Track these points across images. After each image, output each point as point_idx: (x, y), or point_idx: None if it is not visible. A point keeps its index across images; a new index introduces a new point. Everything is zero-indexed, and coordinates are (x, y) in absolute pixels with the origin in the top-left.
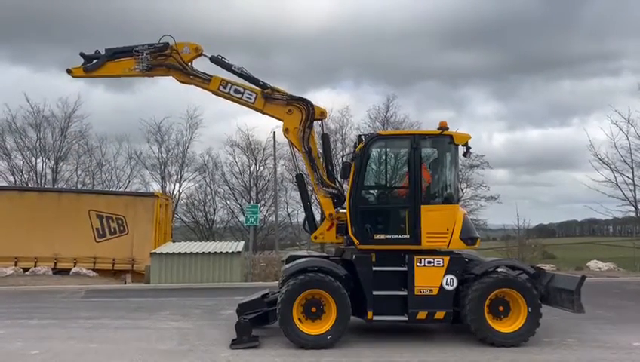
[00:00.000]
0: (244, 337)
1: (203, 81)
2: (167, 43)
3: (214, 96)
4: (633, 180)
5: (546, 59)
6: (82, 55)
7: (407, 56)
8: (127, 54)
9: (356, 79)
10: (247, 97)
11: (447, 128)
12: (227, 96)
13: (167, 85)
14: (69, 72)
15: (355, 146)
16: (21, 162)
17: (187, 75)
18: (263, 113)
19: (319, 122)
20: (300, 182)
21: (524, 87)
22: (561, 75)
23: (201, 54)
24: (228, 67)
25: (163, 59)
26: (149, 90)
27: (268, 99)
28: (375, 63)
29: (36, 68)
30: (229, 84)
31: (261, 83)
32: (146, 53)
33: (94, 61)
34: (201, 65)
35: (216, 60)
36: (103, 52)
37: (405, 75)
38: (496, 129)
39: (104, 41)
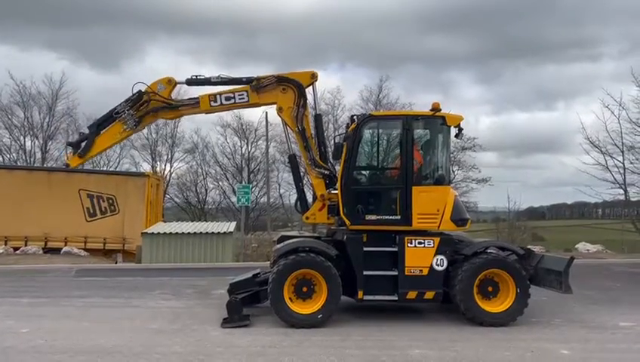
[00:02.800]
0: (235, 316)
1: (192, 106)
2: (140, 90)
3: (208, 114)
4: (623, 163)
5: (528, 45)
6: (70, 144)
7: (392, 40)
8: (109, 121)
9: (342, 62)
10: (240, 99)
11: (440, 109)
12: (221, 108)
13: (153, 65)
14: (67, 165)
15: (348, 127)
16: (9, 141)
17: (175, 109)
18: (261, 105)
19: (314, 103)
20: (293, 162)
21: (507, 71)
22: (544, 60)
23: (175, 84)
24: (207, 82)
25: (145, 107)
26: (134, 69)
27: (259, 89)
28: (360, 46)
29: (20, 47)
30: (218, 96)
31: (244, 79)
32: (127, 110)
33: (83, 144)
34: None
35: (193, 82)
36: (87, 131)
37: (390, 58)
38: (482, 112)
39: (90, 21)
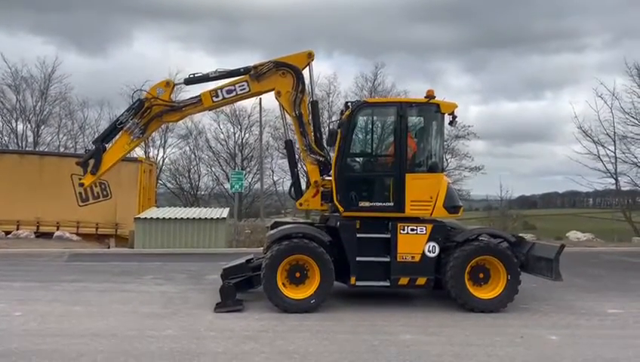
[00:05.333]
0: (229, 301)
1: (195, 105)
2: (140, 98)
3: (212, 110)
4: (615, 153)
5: (514, 35)
6: (78, 164)
7: (378, 29)
8: (114, 133)
9: (329, 50)
10: (241, 90)
11: (434, 97)
12: (224, 102)
13: (141, 50)
14: (81, 185)
15: (342, 113)
16: (0, 124)
17: (178, 110)
18: (262, 93)
19: (311, 82)
20: (289, 148)
21: (494, 61)
22: (529, 50)
23: (174, 86)
24: (205, 78)
25: (148, 113)
26: (121, 54)
27: (259, 77)
28: (347, 35)
29: (6, 31)
30: (219, 90)
31: (242, 70)
32: (131, 120)
33: (91, 161)
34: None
35: (191, 81)
36: (90, 148)
37: (377, 47)
38: (471, 101)
39: (76, 6)
